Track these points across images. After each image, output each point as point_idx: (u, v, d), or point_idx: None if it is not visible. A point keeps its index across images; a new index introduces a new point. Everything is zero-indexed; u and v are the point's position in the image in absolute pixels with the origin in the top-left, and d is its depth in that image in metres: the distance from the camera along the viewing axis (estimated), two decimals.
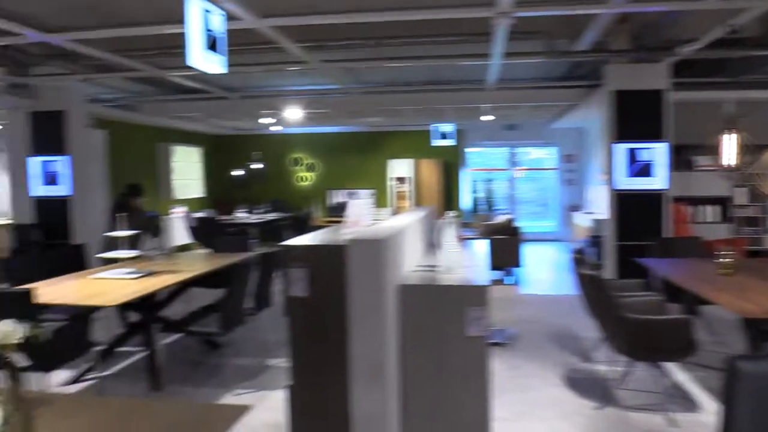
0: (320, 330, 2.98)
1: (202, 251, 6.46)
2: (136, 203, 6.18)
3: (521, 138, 14.01)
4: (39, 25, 5.52)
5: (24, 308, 3.78)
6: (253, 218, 11.80)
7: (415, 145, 13.94)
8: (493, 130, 13.89)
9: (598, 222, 10.10)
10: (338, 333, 2.94)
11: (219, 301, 4.75)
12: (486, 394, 3.01)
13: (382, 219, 4.08)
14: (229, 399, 4.35)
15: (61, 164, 8.05)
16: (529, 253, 11.57)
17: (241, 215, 12.19)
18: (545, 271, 9.89)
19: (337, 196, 14.12)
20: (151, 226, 6.23)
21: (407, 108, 10.08)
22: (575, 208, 13.10)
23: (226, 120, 12.44)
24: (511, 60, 6.85)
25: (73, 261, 5.95)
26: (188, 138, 13.42)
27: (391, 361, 2.90)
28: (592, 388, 4.51)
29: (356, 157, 14.22)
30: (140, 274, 4.91)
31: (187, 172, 13.07)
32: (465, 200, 14.01)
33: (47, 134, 8.15)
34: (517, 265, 8.90)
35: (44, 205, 8.17)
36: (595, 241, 9.17)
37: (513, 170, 14.32)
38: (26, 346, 1.88)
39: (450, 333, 3.04)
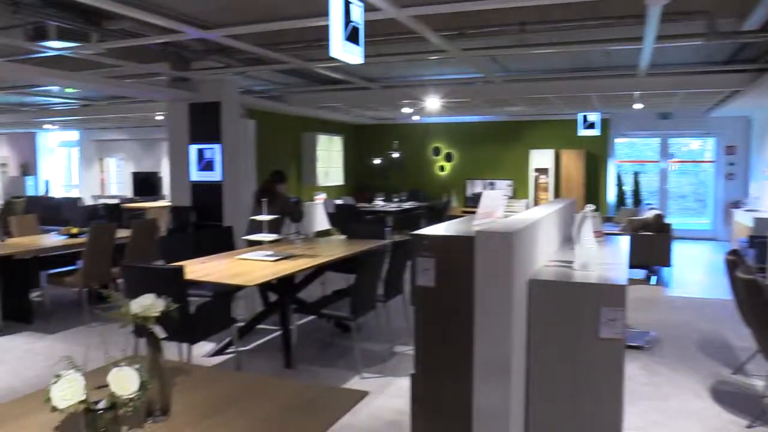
0: (445, 321, 2.94)
1: (340, 237, 6.63)
2: (280, 189, 6.47)
3: (675, 128, 13.03)
4: (198, 23, 5.92)
5: (175, 284, 4.08)
6: (391, 206, 11.98)
7: (558, 134, 13.43)
8: (644, 119, 13.03)
9: (761, 221, 9.19)
10: (463, 325, 2.88)
11: (351, 286, 4.85)
12: (619, 400, 2.82)
13: (517, 211, 3.96)
14: (356, 381, 4.44)
15: (215, 151, 8.63)
16: (679, 252, 10.77)
17: (378, 203, 12.43)
18: (697, 272, 9.15)
19: (476, 187, 13.97)
20: (292, 211, 6.49)
21: (552, 96, 9.71)
22: (735, 204, 12.00)
23: (368, 110, 12.70)
24: (666, 43, 6.36)
25: (222, 242, 6.35)
26: (331, 127, 13.88)
27: (517, 358, 2.80)
28: (743, 403, 4.09)
29: (496, 147, 13.96)
30: (280, 257, 5.13)
31: (329, 160, 13.54)
32: (610, 193, 13.30)
33: (204, 124, 8.76)
34: (665, 264, 8.31)
35: (199, 189, 8.81)
36: (757, 241, 8.34)
37: (665, 162, 13.37)
38: (167, 319, 2.01)
39: (582, 333, 2.88)
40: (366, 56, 4.32)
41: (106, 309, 1.83)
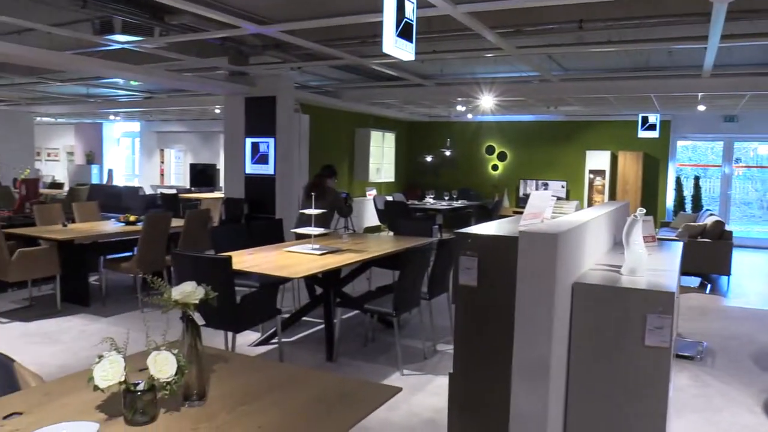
0: (486, 321, 2.91)
1: (387, 233, 6.65)
2: (330, 183, 6.52)
3: (741, 131, 12.53)
4: (257, 19, 6.02)
5: (223, 273, 4.17)
6: (441, 204, 11.94)
7: (616, 135, 13.10)
8: (708, 121, 12.58)
9: None
10: (503, 326, 2.85)
11: (395, 283, 4.85)
12: (663, 411, 2.73)
13: (566, 212, 3.88)
14: (396, 378, 4.44)
15: (269, 145, 8.78)
16: (740, 260, 10.35)
17: (429, 200, 12.40)
18: (758, 282, 8.78)
19: (529, 187, 13.78)
20: (341, 206, 6.53)
21: (611, 96, 9.47)
22: None
23: (421, 107, 12.67)
24: (732, 43, 6.12)
25: (273, 234, 6.45)
26: (384, 124, 13.91)
27: (558, 362, 2.74)
28: None
29: (550, 147, 13.73)
30: (326, 251, 5.18)
31: (381, 156, 13.58)
32: (668, 198, 12.89)
33: (259, 117, 8.92)
34: (723, 272, 8.01)
35: (252, 181, 8.98)
36: None
37: (729, 167, 12.87)
38: (210, 306, 2.05)
39: (627, 340, 2.80)
40: (420, 53, 4.32)
41: (152, 295, 1.89)
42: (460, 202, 12.51)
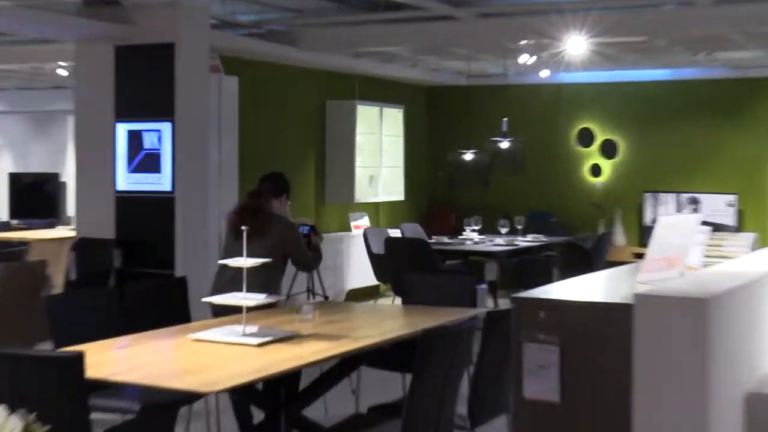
0: None
1: (391, 301, 6.68)
2: (277, 208, 6.57)
3: None
4: None
5: (68, 387, 4.15)
6: (495, 243, 11.95)
7: None
8: None
9: None
10: None
11: (405, 398, 4.84)
12: None
13: (730, 256, 3.91)
14: None
15: (162, 137, 8.82)
16: None
17: (470, 235, 12.41)
18: None
19: (663, 206, 13.81)
20: (299, 249, 6.61)
21: None
22: None
23: (451, 58, 12.76)
24: None
25: (169, 306, 6.44)
26: (382, 91, 14.03)
27: None
28: None
29: (703, 129, 13.77)
30: (270, 338, 5.17)
31: (376, 152, 13.67)
32: None
33: (143, 85, 8.95)
34: None
35: (131, 206, 8.99)
36: None
37: None
38: None
39: None
40: None
41: None
42: (530, 237, 12.50)
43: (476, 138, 14.00)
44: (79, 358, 4.20)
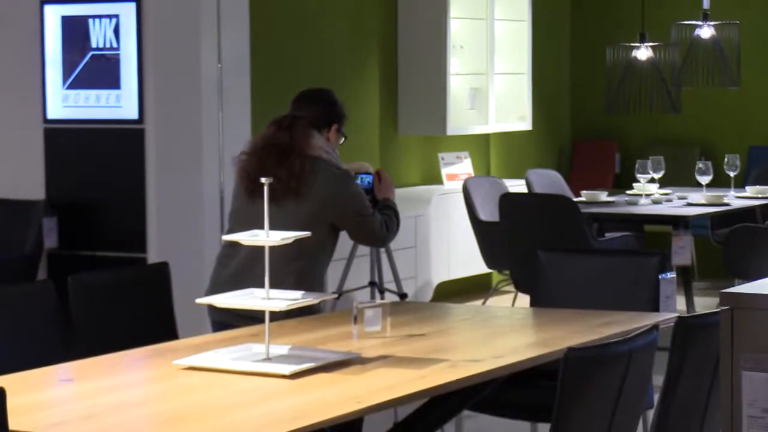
0: None
1: (508, 300, 6.72)
2: (325, 147, 6.55)
3: None
4: None
5: None
6: (685, 201, 11.91)
7: None
8: None
9: None
10: None
11: None
12: None
13: None
14: None
15: (120, 25, 8.89)
16: None
17: (643, 189, 12.35)
18: None
19: None
20: (361, 210, 6.60)
21: None
22: None
23: None
24: None
25: (141, 309, 6.48)
26: None
27: None
28: None
29: None
30: (311, 364, 5.16)
31: (480, 51, 13.74)
32: None
33: None
34: None
35: (71, 144, 9.09)
36: None
37: None
38: None
39: None
40: None
41: None
42: (750, 192, 12.42)
43: (655, 22, 14.00)
44: None
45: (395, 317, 6.23)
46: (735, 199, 12.09)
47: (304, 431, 4.42)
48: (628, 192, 12.38)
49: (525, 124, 14.11)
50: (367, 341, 5.67)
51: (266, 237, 5.19)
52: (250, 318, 5.83)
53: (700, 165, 12.39)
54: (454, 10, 13.04)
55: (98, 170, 8.98)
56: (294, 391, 4.83)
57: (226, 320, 6.11)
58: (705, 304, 11.16)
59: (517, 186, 12.30)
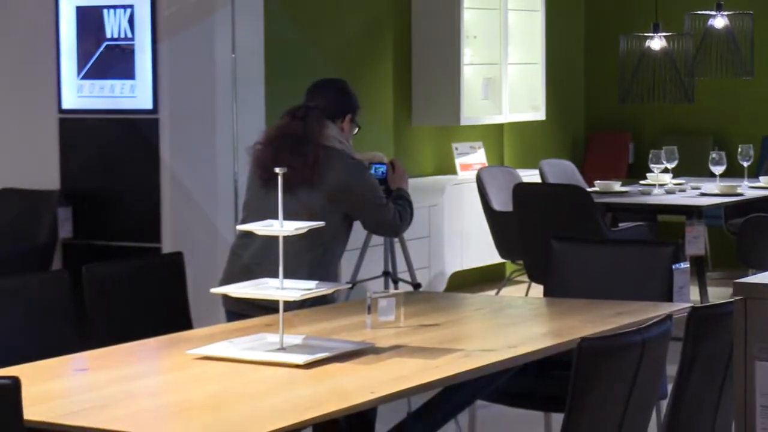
0: None
1: (521, 290, 6.70)
2: (330, 136, 6.52)
3: None
4: None
5: None
6: (699, 191, 11.88)
7: None
8: None
9: None
10: None
11: None
12: None
13: None
14: None
15: (134, 15, 8.88)
16: None
17: (657, 179, 12.32)
18: None
19: None
20: (375, 200, 6.57)
21: None
22: None
23: None
24: None
25: (153, 302, 6.48)
26: None
27: None
28: None
29: None
30: (326, 353, 5.15)
31: (494, 40, 13.70)
32: None
33: None
34: None
35: (86, 134, 9.08)
36: None
37: None
38: None
39: None
40: None
41: None
42: (763, 182, 12.37)
43: (669, 12, 13.96)
44: (14, 387, 4.24)
45: (409, 307, 6.23)
46: (748, 189, 12.07)
47: (317, 420, 4.43)
48: (641, 182, 12.38)
49: (539, 114, 14.13)
50: (380, 331, 5.68)
51: (280, 227, 5.21)
52: (264, 308, 5.83)
53: (713, 155, 12.36)
54: (468, 0, 13.03)
55: (113, 160, 8.99)
56: (308, 381, 4.85)
57: (240, 310, 6.11)
58: (718, 294, 11.15)
59: (530, 176, 12.29)
